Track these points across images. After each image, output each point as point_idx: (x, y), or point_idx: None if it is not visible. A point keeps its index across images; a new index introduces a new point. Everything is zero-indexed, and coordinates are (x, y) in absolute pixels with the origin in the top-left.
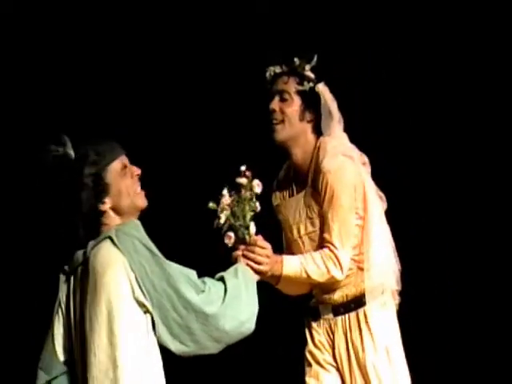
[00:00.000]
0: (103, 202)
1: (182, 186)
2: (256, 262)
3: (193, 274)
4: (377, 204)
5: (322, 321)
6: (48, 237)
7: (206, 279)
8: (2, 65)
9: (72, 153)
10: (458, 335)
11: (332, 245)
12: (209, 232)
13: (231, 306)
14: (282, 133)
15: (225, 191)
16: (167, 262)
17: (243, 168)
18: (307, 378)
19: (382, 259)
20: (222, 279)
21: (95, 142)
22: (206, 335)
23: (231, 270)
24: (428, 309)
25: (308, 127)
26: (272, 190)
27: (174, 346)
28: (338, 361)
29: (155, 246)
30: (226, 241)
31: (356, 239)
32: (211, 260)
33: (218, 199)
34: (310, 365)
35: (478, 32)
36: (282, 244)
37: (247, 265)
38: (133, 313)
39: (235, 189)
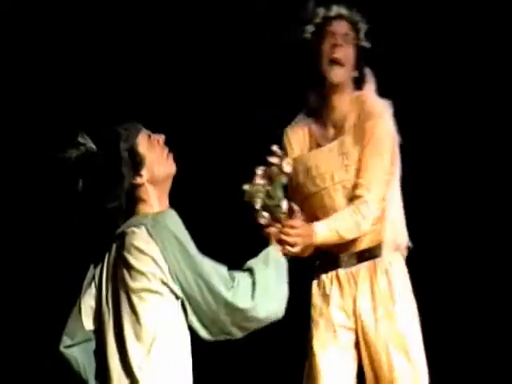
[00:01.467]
0: (140, 175)
1: (208, 172)
2: (289, 244)
3: (224, 269)
4: (399, 162)
5: (343, 270)
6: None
7: (236, 274)
8: (1, 65)
9: (93, 146)
10: (456, 337)
11: (363, 195)
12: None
13: (261, 299)
14: (341, 75)
15: (259, 171)
16: (200, 255)
17: (275, 147)
18: (315, 342)
19: (398, 216)
20: (251, 270)
21: (116, 124)
22: (235, 326)
23: (262, 255)
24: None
25: (351, 82)
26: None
27: (204, 333)
28: (361, 312)
29: (190, 236)
30: (261, 221)
31: (386, 190)
32: (246, 243)
33: (251, 181)
34: (317, 326)
35: (477, 33)
36: None
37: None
38: (163, 301)
39: (267, 168)
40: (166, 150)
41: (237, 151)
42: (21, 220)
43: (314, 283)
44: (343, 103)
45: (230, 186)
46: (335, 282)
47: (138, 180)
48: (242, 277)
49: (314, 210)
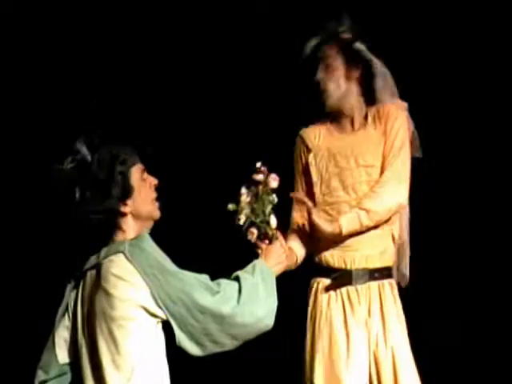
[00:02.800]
0: (125, 204)
1: (196, 185)
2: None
3: (206, 277)
4: None
5: (355, 286)
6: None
7: (221, 280)
8: (1, 65)
9: (88, 155)
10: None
11: (375, 189)
12: (227, 230)
13: (247, 303)
14: (330, 100)
15: (243, 190)
16: (180, 270)
17: (259, 164)
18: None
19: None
20: (237, 278)
21: (118, 144)
22: (223, 334)
23: (249, 267)
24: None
25: (355, 85)
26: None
27: (193, 350)
28: (371, 328)
29: (166, 254)
30: (249, 237)
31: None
32: (231, 259)
33: (236, 199)
34: (322, 338)
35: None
36: None
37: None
38: (143, 328)
39: (252, 186)
40: (155, 194)
41: (223, 169)
42: None
43: (324, 297)
44: (355, 109)
45: (217, 203)
46: (347, 297)
47: (122, 208)
48: (227, 283)
49: (337, 192)
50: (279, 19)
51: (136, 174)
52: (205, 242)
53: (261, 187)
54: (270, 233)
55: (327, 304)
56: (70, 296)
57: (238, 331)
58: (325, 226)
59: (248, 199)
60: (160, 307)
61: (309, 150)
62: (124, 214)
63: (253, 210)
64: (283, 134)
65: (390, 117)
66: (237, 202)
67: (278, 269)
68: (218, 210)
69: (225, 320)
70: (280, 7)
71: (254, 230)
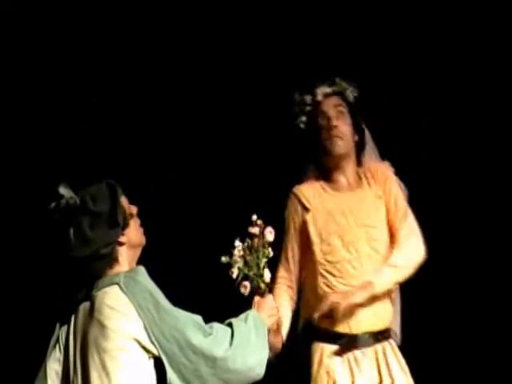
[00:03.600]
0: (123, 234)
1: (192, 233)
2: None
3: (199, 318)
4: None
5: (362, 349)
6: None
7: (214, 324)
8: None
9: (75, 197)
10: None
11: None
12: (221, 280)
13: (239, 348)
14: (343, 147)
15: (237, 243)
16: (174, 308)
17: (254, 217)
18: None
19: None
20: (230, 324)
21: (106, 180)
22: (215, 378)
23: (242, 316)
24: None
25: (353, 147)
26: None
27: None
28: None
29: (162, 292)
30: (242, 290)
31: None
32: (223, 310)
33: (230, 252)
34: None
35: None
36: None
37: None
38: (135, 360)
39: (246, 238)
40: (139, 221)
41: (218, 221)
42: None
43: (331, 362)
44: (351, 170)
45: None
46: (354, 361)
47: (121, 238)
48: (220, 327)
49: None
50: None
51: (126, 203)
52: (198, 292)
53: (256, 240)
54: (263, 286)
55: (334, 369)
56: (61, 328)
57: (230, 377)
58: (360, 295)
59: (241, 252)
60: (153, 343)
61: (306, 209)
62: (121, 244)
63: (246, 263)
64: (278, 188)
65: (383, 178)
66: (230, 254)
67: (270, 321)
68: (212, 262)
69: (216, 363)
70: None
71: (247, 284)
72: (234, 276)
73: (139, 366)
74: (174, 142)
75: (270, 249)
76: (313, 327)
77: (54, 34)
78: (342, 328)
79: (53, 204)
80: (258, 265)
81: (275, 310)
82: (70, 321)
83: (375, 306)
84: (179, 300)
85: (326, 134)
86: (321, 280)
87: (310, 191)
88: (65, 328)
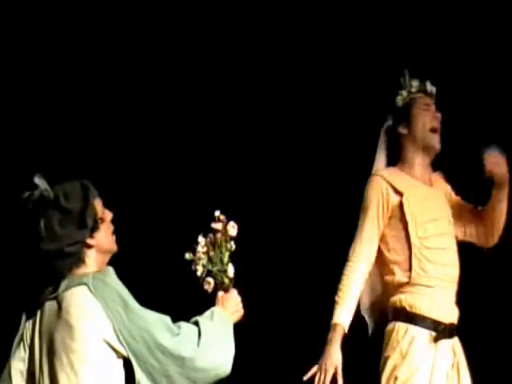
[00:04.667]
0: (92, 237)
1: (156, 231)
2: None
3: (168, 319)
4: None
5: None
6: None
7: (181, 323)
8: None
9: (49, 190)
10: None
11: None
12: (186, 277)
13: (207, 347)
14: (439, 142)
15: (200, 239)
16: (143, 308)
17: (217, 213)
18: None
19: None
20: (196, 323)
21: (78, 180)
22: (182, 377)
23: (207, 313)
24: None
25: None
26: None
27: None
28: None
29: (130, 292)
30: (206, 287)
31: None
32: (188, 306)
33: (193, 248)
34: None
35: None
36: None
37: None
38: (104, 360)
39: (209, 234)
40: (112, 227)
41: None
42: None
43: (417, 347)
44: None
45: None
46: (440, 351)
47: (89, 240)
48: (187, 326)
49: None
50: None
51: (99, 206)
52: (163, 289)
53: (219, 235)
54: (227, 281)
55: (422, 355)
56: (25, 327)
57: (198, 375)
58: None
59: (205, 248)
60: (121, 343)
61: (399, 193)
62: (90, 247)
63: (210, 259)
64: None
65: (444, 183)
66: (193, 250)
67: (235, 317)
68: (175, 258)
69: (184, 363)
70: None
71: (211, 280)
72: (199, 273)
73: (108, 367)
74: (134, 134)
75: (232, 243)
76: (405, 310)
77: (54, 34)
78: (439, 316)
79: (27, 193)
80: (221, 260)
81: (240, 304)
82: (36, 319)
83: (454, 298)
84: (145, 298)
85: (427, 126)
86: (415, 263)
87: (397, 177)
88: (29, 326)
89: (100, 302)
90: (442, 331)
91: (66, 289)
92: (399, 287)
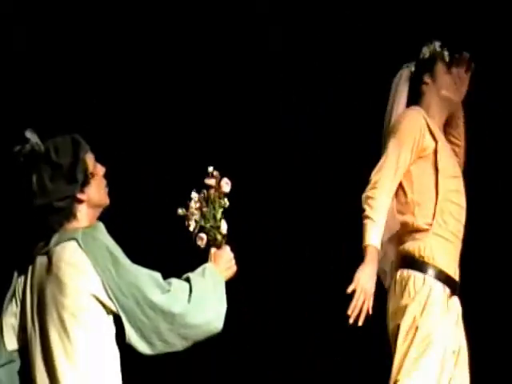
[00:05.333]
0: (83, 191)
1: (149, 187)
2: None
3: (158, 275)
4: None
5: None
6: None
7: (172, 279)
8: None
9: (40, 144)
10: None
11: None
12: (179, 233)
13: (197, 303)
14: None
15: (193, 194)
16: (133, 264)
17: (211, 169)
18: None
19: None
20: (188, 279)
21: (69, 135)
22: (173, 334)
23: (199, 270)
24: None
25: None
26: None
27: (142, 347)
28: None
29: (121, 248)
30: (199, 242)
31: None
32: (181, 262)
33: (186, 204)
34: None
35: None
36: None
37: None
38: (94, 316)
39: (203, 190)
40: (105, 181)
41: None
42: None
43: (435, 297)
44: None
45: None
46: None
47: (80, 195)
48: (178, 282)
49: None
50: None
51: (91, 161)
52: (155, 244)
53: (212, 191)
54: (220, 238)
55: (439, 308)
56: (17, 282)
57: (188, 332)
58: None
59: (198, 204)
60: (111, 299)
61: (434, 138)
62: (81, 201)
63: (203, 215)
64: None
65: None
66: (186, 206)
67: (228, 274)
68: (168, 214)
69: (175, 319)
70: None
71: (204, 236)
72: (191, 229)
73: (98, 323)
74: (129, 89)
75: (226, 199)
76: (423, 260)
77: (53, 33)
78: (452, 272)
79: (18, 147)
80: (214, 216)
81: (232, 261)
82: (27, 274)
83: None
84: (137, 254)
85: (452, 84)
86: (439, 212)
87: (431, 120)
88: (21, 281)
89: (89, 257)
90: (454, 287)
91: (57, 243)
92: (416, 232)
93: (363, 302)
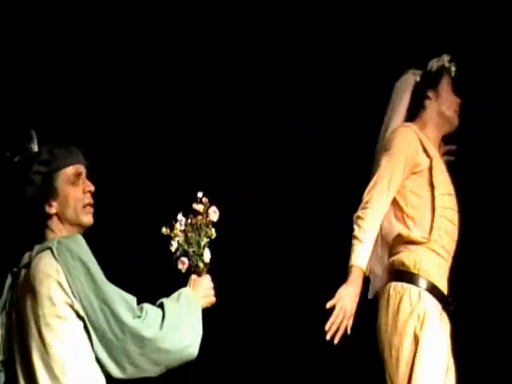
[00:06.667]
0: (50, 205)
1: (135, 210)
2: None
3: (132, 299)
4: None
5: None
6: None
7: (145, 305)
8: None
9: (34, 145)
10: None
11: None
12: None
13: (170, 329)
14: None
15: (180, 216)
16: (106, 281)
17: (200, 194)
18: None
19: None
20: (161, 305)
21: (55, 144)
22: (144, 358)
23: (175, 294)
24: None
25: None
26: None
27: (112, 369)
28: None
29: (98, 264)
30: (180, 266)
31: None
32: (160, 285)
33: (171, 225)
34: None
35: None
36: None
37: None
38: (70, 326)
39: (191, 214)
40: (90, 200)
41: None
42: None
43: (431, 311)
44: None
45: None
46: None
47: (47, 209)
48: (150, 308)
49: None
50: None
51: (63, 176)
52: (136, 265)
53: (200, 218)
54: (202, 266)
55: (434, 322)
56: (8, 292)
57: (161, 357)
58: None
59: (183, 227)
60: (82, 308)
61: (428, 154)
62: (50, 215)
63: (187, 239)
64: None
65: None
66: (171, 227)
67: (205, 301)
68: (152, 234)
69: (145, 343)
70: None
71: (185, 260)
72: (173, 249)
73: (75, 333)
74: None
75: (213, 230)
76: (419, 274)
77: (53, 33)
78: (443, 287)
79: (10, 151)
80: (198, 243)
81: (211, 290)
82: (14, 287)
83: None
84: (115, 272)
85: (454, 106)
86: (436, 226)
87: (424, 137)
88: (9, 294)
89: (61, 266)
90: (445, 303)
91: (36, 253)
92: (411, 244)
93: (341, 321)
